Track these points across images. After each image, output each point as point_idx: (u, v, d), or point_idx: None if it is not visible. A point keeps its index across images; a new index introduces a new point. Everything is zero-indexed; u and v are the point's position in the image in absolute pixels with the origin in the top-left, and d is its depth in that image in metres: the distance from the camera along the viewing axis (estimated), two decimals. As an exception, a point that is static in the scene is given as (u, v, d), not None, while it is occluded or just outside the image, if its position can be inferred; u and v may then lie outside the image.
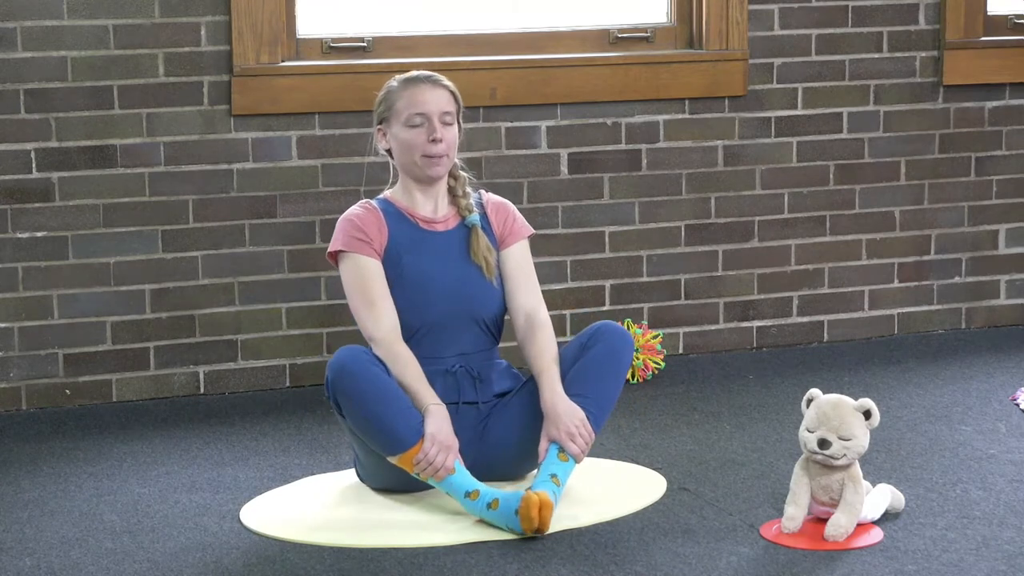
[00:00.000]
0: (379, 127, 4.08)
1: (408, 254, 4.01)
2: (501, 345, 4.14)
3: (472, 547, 3.69)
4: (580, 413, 3.88)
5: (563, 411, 3.88)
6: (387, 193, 4.13)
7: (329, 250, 4.06)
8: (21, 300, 4.82)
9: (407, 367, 3.90)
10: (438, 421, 3.83)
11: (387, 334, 3.94)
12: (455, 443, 3.83)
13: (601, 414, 3.94)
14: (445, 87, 4.05)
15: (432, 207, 4.08)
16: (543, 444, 3.88)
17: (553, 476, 3.82)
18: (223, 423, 4.71)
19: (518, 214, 4.16)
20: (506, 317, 4.11)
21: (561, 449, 3.86)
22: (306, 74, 4.93)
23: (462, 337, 4.02)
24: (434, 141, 3.99)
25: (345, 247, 4.01)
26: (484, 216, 4.11)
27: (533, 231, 4.17)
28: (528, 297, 4.08)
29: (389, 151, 4.09)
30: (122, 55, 4.80)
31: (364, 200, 4.12)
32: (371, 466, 3.99)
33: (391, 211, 4.06)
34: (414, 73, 4.09)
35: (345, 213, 4.08)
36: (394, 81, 4.09)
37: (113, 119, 4.82)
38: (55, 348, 4.86)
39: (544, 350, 3.99)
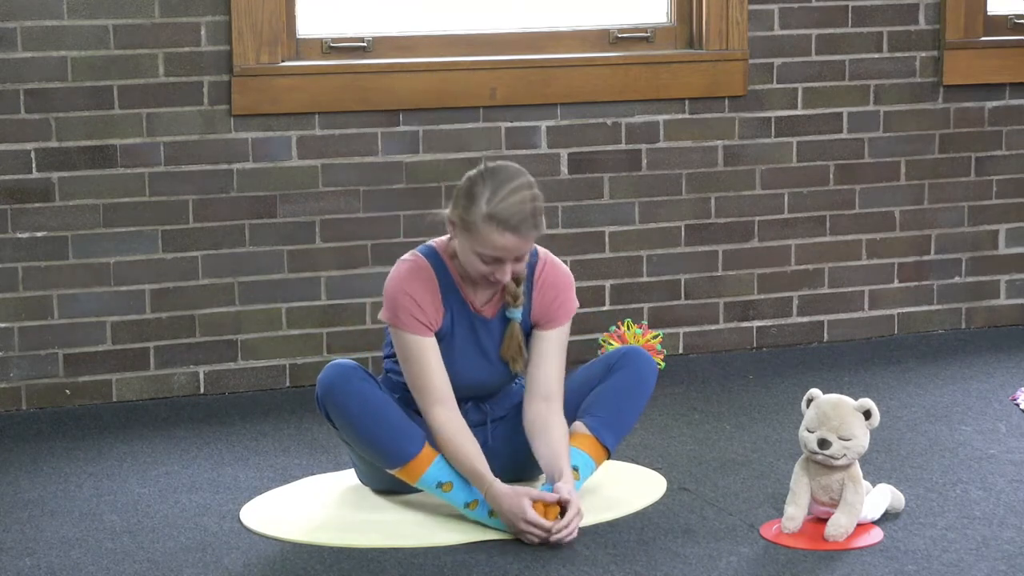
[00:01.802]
0: (451, 218, 3.75)
1: (451, 338, 3.86)
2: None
3: (472, 547, 3.69)
4: (581, 516, 3.73)
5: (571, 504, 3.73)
6: (442, 246, 3.87)
7: (382, 319, 3.83)
8: (21, 300, 4.82)
9: (457, 456, 3.76)
10: (506, 506, 3.67)
11: (442, 422, 3.78)
12: (527, 510, 3.66)
13: (617, 438, 3.92)
14: (532, 234, 3.70)
15: (481, 296, 3.88)
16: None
17: (574, 469, 3.82)
18: (223, 423, 4.71)
19: (568, 295, 3.90)
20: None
21: (575, 468, 3.82)
22: (306, 74, 4.93)
23: (478, 396, 3.99)
24: (498, 280, 3.78)
25: (404, 328, 3.78)
26: (529, 290, 3.88)
27: (577, 308, 3.95)
28: (549, 380, 3.87)
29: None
30: (122, 55, 4.80)
31: (419, 258, 3.82)
32: (368, 470, 3.99)
33: (447, 284, 3.83)
34: (508, 206, 3.66)
35: (401, 277, 3.80)
36: (484, 199, 3.67)
37: (113, 119, 4.82)
38: (55, 348, 4.86)
39: (559, 453, 3.79)
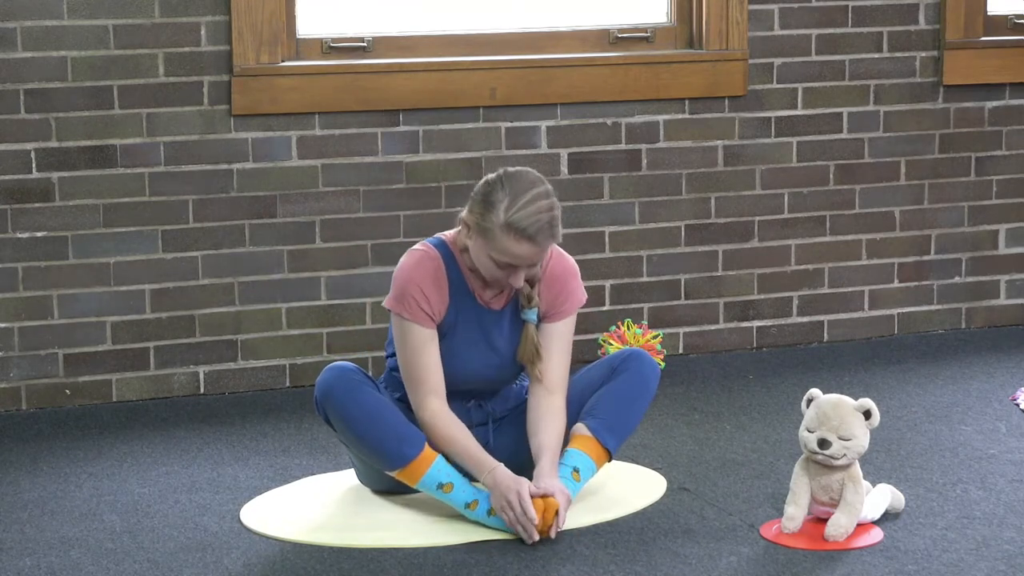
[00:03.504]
0: (466, 220, 3.76)
1: (456, 332, 3.88)
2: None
3: (472, 547, 3.69)
4: (567, 498, 3.75)
5: (555, 488, 3.75)
6: (452, 238, 3.87)
7: (387, 306, 3.84)
8: (21, 300, 4.82)
9: (454, 443, 3.80)
10: (503, 489, 3.70)
11: (432, 414, 3.81)
12: (525, 498, 3.69)
13: (619, 440, 3.92)
14: (549, 245, 3.73)
15: (490, 290, 3.89)
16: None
17: (575, 471, 3.82)
18: (223, 423, 4.71)
19: (574, 286, 3.92)
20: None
21: (575, 469, 3.83)
22: (306, 74, 4.93)
23: (482, 393, 4.00)
24: (511, 285, 3.80)
25: (408, 316, 3.81)
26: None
27: (585, 299, 3.98)
28: (554, 376, 3.90)
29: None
30: (122, 55, 4.80)
31: (430, 249, 3.85)
32: (368, 471, 3.99)
33: (455, 274, 3.84)
34: (526, 215, 3.67)
35: (409, 265, 3.83)
36: (502, 207, 3.68)
37: (113, 119, 4.82)
38: (55, 348, 4.86)
39: (552, 437, 3.83)
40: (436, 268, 3.83)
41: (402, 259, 3.88)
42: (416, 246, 3.90)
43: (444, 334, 3.87)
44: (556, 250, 3.93)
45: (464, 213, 3.79)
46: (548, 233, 3.71)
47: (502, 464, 3.79)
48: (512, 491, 3.70)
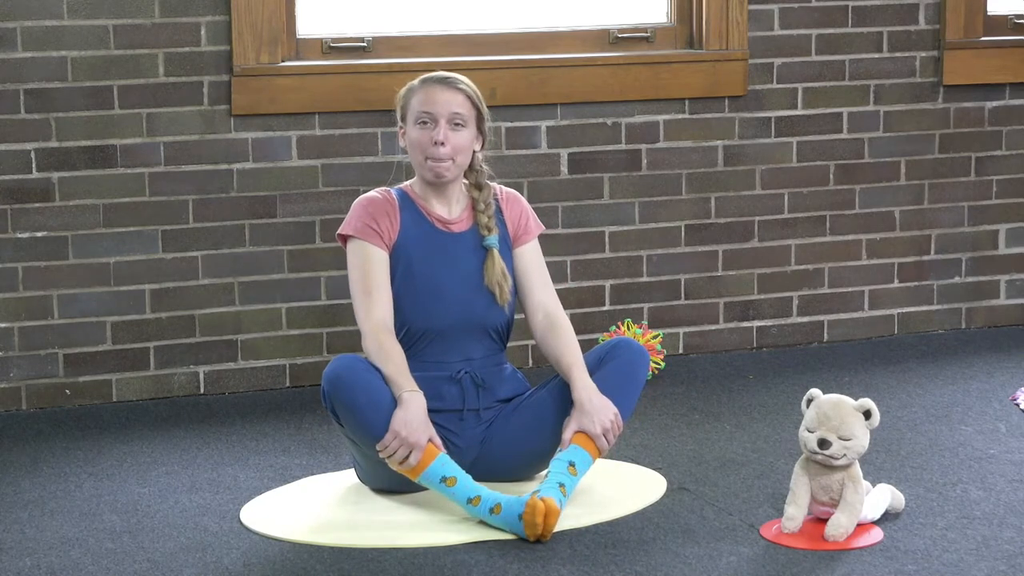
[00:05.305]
0: (400, 125, 4.06)
1: (420, 256, 3.99)
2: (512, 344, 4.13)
3: (472, 547, 3.69)
4: (613, 407, 3.90)
5: (599, 406, 3.89)
6: (407, 184, 4.10)
7: (339, 232, 4.04)
8: (21, 300, 4.82)
9: (389, 358, 3.87)
10: (405, 412, 3.80)
11: (376, 325, 3.92)
12: (422, 438, 3.79)
13: None
14: (461, 90, 4.00)
15: (447, 208, 4.05)
16: (567, 434, 3.88)
17: (561, 485, 3.81)
18: (223, 423, 4.71)
19: (530, 210, 4.15)
20: (519, 316, 4.11)
21: (571, 463, 3.84)
22: (306, 74, 4.93)
23: (469, 344, 4.01)
24: (436, 144, 3.96)
25: (355, 233, 3.99)
26: (499, 213, 4.09)
27: (544, 228, 4.18)
28: (544, 294, 4.09)
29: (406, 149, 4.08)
30: (122, 55, 4.80)
31: (383, 187, 4.10)
32: (370, 468, 3.99)
33: (407, 204, 4.04)
34: (436, 73, 4.07)
35: (361, 197, 4.06)
36: (417, 80, 4.07)
37: (113, 119, 4.82)
38: (55, 348, 4.86)
39: (569, 346, 4.00)
40: (386, 197, 4.04)
41: None
42: None
43: (406, 258, 3.97)
44: (504, 188, 4.16)
45: (398, 130, 4.08)
46: (456, 80, 4.01)
47: (419, 397, 3.82)
48: (416, 435, 3.77)
